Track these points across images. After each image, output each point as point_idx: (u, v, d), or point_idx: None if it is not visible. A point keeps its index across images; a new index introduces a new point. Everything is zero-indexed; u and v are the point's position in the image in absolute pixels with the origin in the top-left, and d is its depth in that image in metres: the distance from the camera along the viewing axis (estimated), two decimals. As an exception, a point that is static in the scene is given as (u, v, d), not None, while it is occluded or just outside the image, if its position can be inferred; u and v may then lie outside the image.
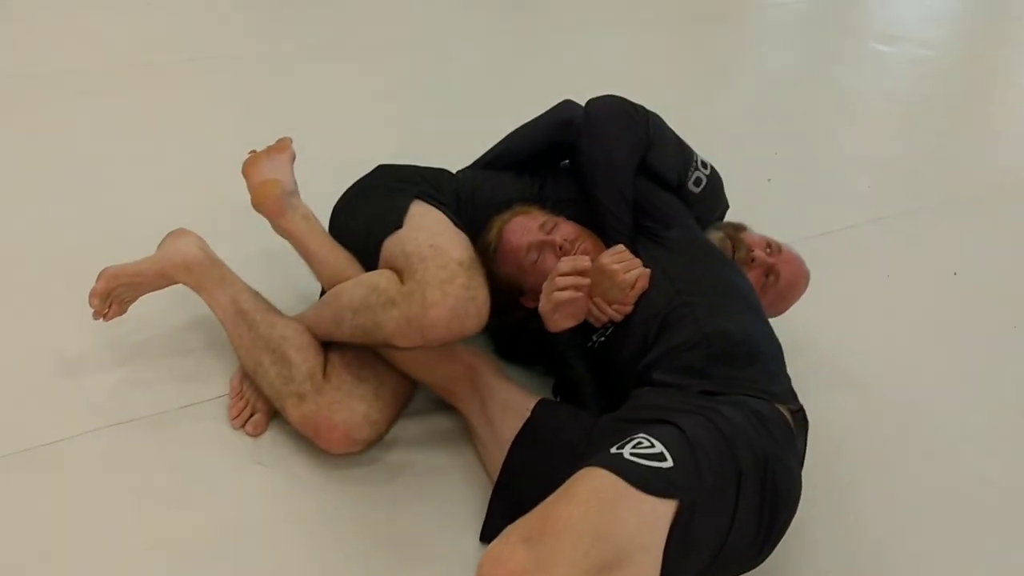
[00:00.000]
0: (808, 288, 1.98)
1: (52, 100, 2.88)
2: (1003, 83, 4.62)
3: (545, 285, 1.67)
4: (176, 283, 1.84)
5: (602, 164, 1.82)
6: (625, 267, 1.66)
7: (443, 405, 1.82)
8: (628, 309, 1.66)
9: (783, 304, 1.95)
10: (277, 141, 1.97)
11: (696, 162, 1.93)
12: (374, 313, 1.61)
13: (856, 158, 3.35)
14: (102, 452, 1.68)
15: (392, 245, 1.71)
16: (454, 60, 3.76)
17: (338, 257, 1.81)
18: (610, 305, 1.66)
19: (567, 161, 2.00)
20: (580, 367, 1.70)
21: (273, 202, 1.85)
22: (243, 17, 3.99)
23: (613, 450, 1.27)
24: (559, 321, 1.66)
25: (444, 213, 1.80)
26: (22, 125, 2.71)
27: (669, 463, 1.25)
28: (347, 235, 1.86)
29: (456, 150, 2.13)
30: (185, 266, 1.82)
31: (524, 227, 1.80)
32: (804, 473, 1.50)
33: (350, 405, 1.66)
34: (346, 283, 1.73)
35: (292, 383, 1.67)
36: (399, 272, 1.65)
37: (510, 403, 1.68)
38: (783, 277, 1.89)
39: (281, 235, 1.88)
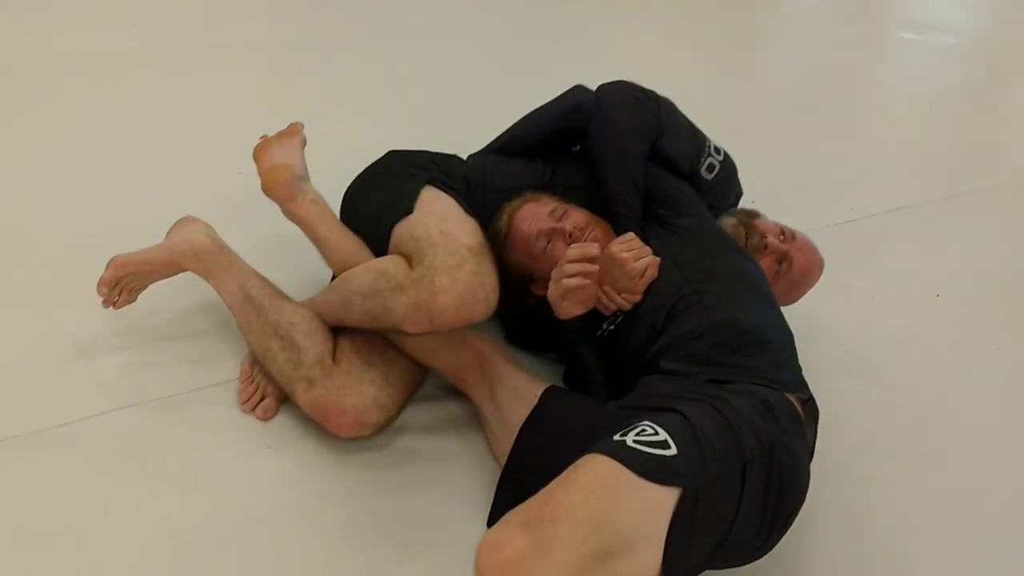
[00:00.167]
0: (827, 277, 1.96)
1: (71, 87, 2.89)
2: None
3: (554, 272, 1.66)
4: (185, 271, 1.85)
5: (612, 150, 1.80)
6: (635, 255, 1.65)
7: (453, 392, 1.82)
8: (637, 298, 1.65)
9: (797, 292, 1.93)
10: (288, 126, 1.97)
11: (709, 148, 1.91)
12: (383, 298, 1.61)
13: (880, 146, 3.30)
14: (113, 433, 1.70)
15: (402, 230, 1.71)
16: (473, 46, 3.74)
17: (348, 242, 1.82)
18: (619, 294, 1.65)
19: (579, 147, 1.99)
20: (589, 355, 1.69)
21: (282, 187, 1.86)
22: (267, 4, 4.00)
23: (616, 437, 1.26)
24: (568, 308, 1.66)
25: (454, 199, 1.80)
26: (40, 110, 2.73)
27: (673, 451, 1.24)
28: (358, 220, 1.87)
29: (471, 136, 2.12)
30: (193, 254, 1.83)
31: (534, 214, 1.79)
32: (816, 463, 1.49)
33: (359, 389, 1.66)
34: (355, 268, 1.74)
35: (301, 368, 1.68)
36: (409, 257, 1.65)
37: (519, 390, 1.68)
38: (796, 264, 1.87)
39: (291, 220, 1.89)
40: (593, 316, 1.69)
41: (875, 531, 1.70)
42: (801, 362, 1.60)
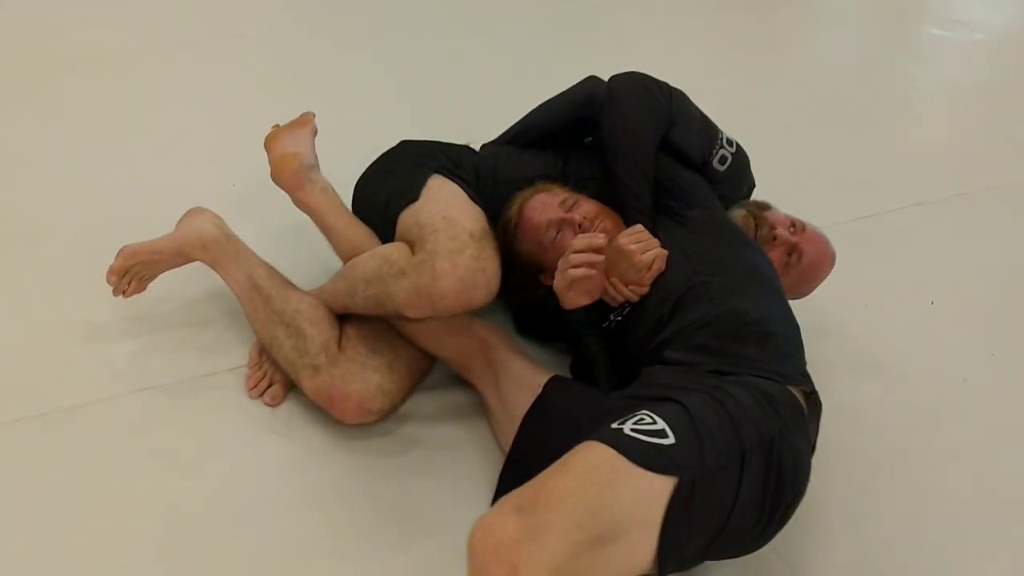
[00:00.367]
0: (843, 271, 1.94)
1: (86, 79, 2.91)
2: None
3: (560, 262, 1.66)
4: (193, 261, 1.86)
5: (623, 141, 1.79)
6: (642, 247, 1.64)
7: (459, 380, 1.83)
8: (644, 290, 1.64)
9: (807, 285, 1.91)
10: (300, 115, 1.98)
11: (721, 140, 1.89)
12: (385, 284, 1.62)
13: (904, 142, 3.26)
14: (122, 417, 1.72)
15: (407, 217, 1.72)
16: (487, 40, 3.72)
17: (356, 231, 1.83)
18: (627, 286, 1.64)
19: (592, 138, 1.98)
20: (594, 346, 1.69)
21: (291, 175, 1.87)
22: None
23: (614, 425, 1.26)
24: (573, 298, 1.65)
25: (462, 187, 1.80)
26: (54, 100, 2.75)
27: (670, 440, 1.23)
28: (368, 209, 1.88)
29: (482, 129, 2.12)
30: (201, 244, 1.84)
31: (545, 204, 1.78)
32: (822, 457, 1.48)
33: (364, 376, 1.67)
34: (361, 256, 1.75)
35: (307, 355, 1.69)
36: (412, 244, 1.66)
37: (523, 379, 1.68)
38: (806, 257, 1.85)
39: (300, 208, 1.90)
40: (600, 307, 1.69)
41: (876, 525, 1.68)
42: (810, 356, 1.59)
